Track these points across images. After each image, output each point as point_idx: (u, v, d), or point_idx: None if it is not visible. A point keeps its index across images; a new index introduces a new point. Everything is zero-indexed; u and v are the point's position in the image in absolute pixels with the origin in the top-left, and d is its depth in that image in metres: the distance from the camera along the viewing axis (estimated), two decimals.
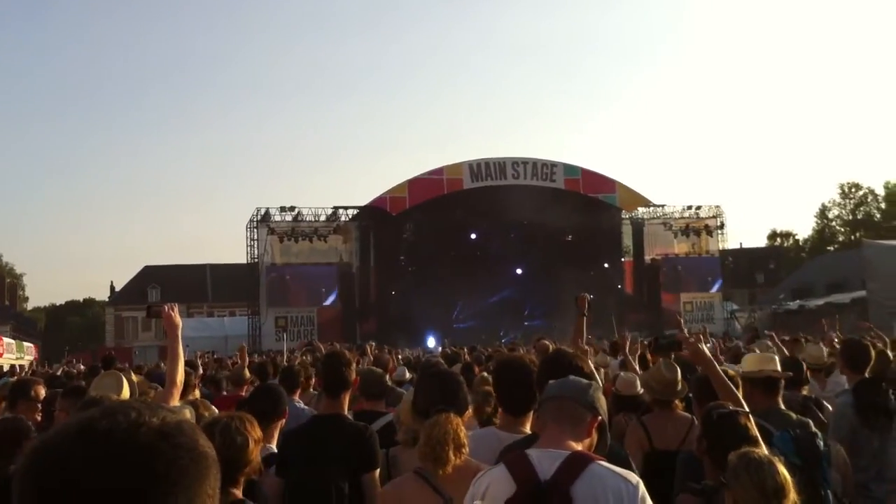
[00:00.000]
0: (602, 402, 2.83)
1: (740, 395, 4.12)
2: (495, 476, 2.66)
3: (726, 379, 3.97)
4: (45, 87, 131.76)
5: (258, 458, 3.33)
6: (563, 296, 38.75)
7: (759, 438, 3.52)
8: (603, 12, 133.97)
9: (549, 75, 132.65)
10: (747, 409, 3.73)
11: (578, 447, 2.65)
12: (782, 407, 4.71)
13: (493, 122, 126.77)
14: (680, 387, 5.28)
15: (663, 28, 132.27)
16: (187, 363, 6.90)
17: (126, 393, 4.82)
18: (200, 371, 10.72)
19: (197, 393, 7.52)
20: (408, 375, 9.43)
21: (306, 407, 6.30)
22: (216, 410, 6.13)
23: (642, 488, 2.57)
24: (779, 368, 4.86)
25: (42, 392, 6.43)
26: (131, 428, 1.03)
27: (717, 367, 4.04)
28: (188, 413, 4.38)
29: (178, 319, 4.59)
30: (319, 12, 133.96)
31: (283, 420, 4.87)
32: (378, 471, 4.27)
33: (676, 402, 5.30)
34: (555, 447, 2.62)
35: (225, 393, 8.61)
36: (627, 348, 7.71)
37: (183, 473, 1.03)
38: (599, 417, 2.78)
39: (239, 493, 3.26)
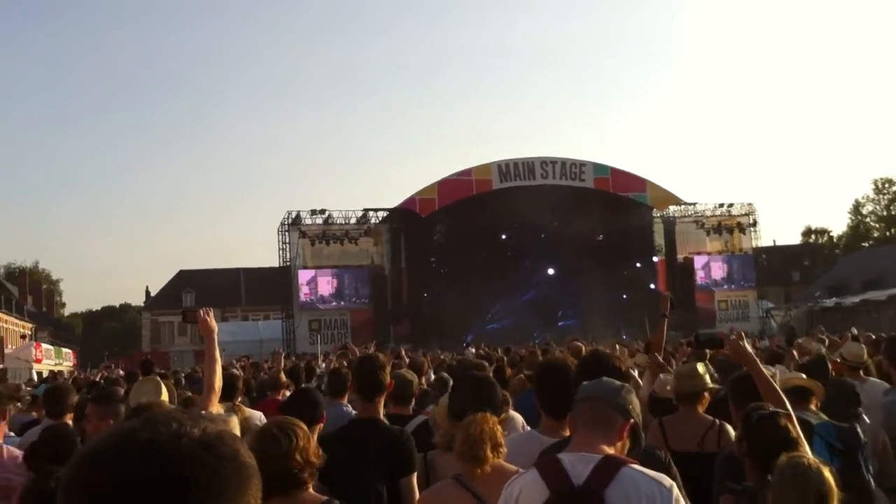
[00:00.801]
0: (635, 405, 2.79)
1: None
2: (528, 481, 2.64)
3: (770, 378, 3.91)
4: (79, 94, 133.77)
5: (318, 447, 3.32)
6: (595, 296, 38.72)
7: (801, 440, 3.49)
8: (631, 11, 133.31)
9: (576, 74, 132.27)
10: (790, 409, 3.69)
11: (611, 451, 2.63)
12: (812, 409, 4.68)
13: (520, 121, 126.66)
14: (703, 380, 5.18)
15: (694, 24, 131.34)
16: (230, 369, 6.93)
17: (165, 398, 4.87)
18: (241, 382, 10.82)
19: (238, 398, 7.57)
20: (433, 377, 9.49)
21: (353, 410, 6.29)
22: (255, 413, 6.19)
23: (676, 491, 2.55)
24: (804, 377, 4.88)
25: (74, 397, 6.50)
26: (172, 438, 1.03)
27: (761, 365, 3.96)
28: (235, 421, 4.41)
29: (214, 324, 4.61)
30: (344, 13, 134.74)
31: (322, 424, 4.90)
32: (415, 474, 4.28)
33: (702, 402, 5.20)
34: (587, 451, 2.60)
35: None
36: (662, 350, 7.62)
37: (225, 483, 1.03)
38: (632, 420, 2.75)
39: (311, 489, 3.26)
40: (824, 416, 4.58)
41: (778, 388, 3.91)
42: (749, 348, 4.03)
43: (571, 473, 2.53)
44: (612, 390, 2.78)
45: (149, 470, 1.00)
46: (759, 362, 3.94)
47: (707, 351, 8.65)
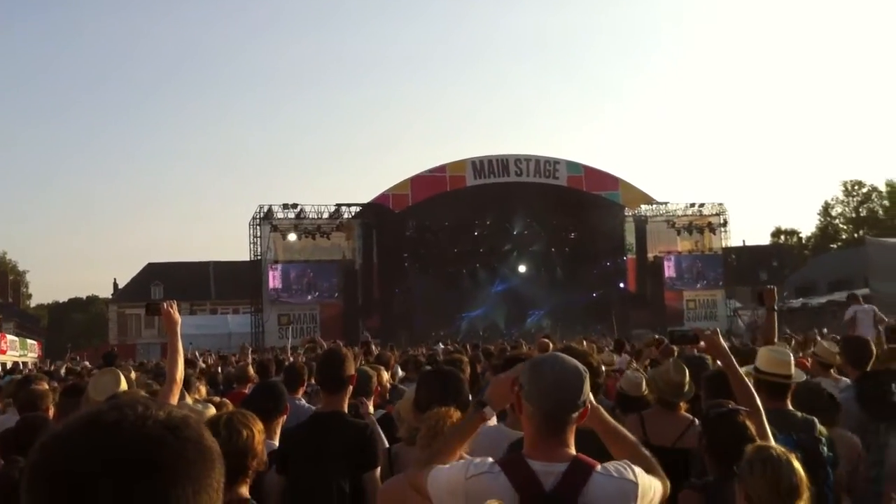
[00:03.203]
0: (588, 387, 2.64)
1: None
2: (498, 484, 2.53)
3: (744, 375, 3.91)
4: (48, 86, 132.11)
5: (263, 450, 3.32)
6: (565, 293, 38.94)
7: (766, 436, 3.51)
8: (605, 8, 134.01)
9: (551, 71, 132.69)
10: (759, 406, 3.69)
11: (572, 446, 2.60)
12: (790, 407, 4.67)
13: (495, 118, 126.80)
14: (687, 388, 5.24)
15: (666, 24, 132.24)
16: (186, 361, 6.90)
17: (124, 389, 4.83)
18: (200, 367, 10.75)
19: (202, 390, 7.53)
20: (400, 373, 9.56)
21: (308, 404, 6.28)
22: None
23: (643, 481, 2.55)
24: (792, 371, 4.82)
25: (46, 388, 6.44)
26: (138, 420, 1.05)
27: (735, 362, 3.96)
28: (211, 411, 4.38)
29: (178, 316, 4.57)
30: (320, 8, 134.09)
31: (284, 416, 4.88)
32: (379, 469, 4.27)
33: (681, 405, 5.25)
34: (553, 459, 2.55)
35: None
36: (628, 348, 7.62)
37: (189, 465, 1.05)
38: (588, 407, 2.65)
39: (246, 490, 3.22)
40: (797, 413, 4.57)
41: (751, 385, 3.91)
42: (724, 344, 4.02)
43: (543, 482, 2.50)
44: (574, 394, 2.59)
45: (113, 451, 1.01)
46: (733, 359, 3.94)
47: (674, 348, 8.73)
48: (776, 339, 6.06)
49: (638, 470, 2.57)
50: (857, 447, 4.94)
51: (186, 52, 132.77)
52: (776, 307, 5.70)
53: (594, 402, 2.71)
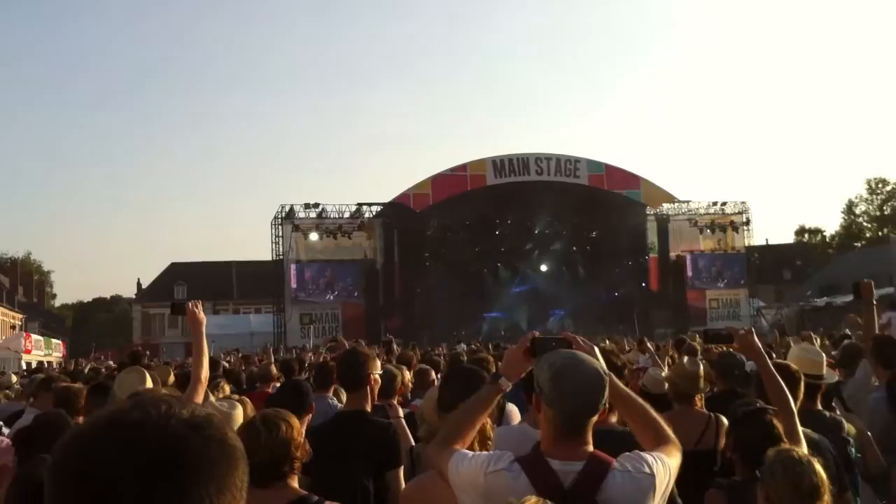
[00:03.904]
0: (608, 389, 2.65)
1: (799, 392, 4.04)
2: (519, 484, 2.53)
3: (776, 374, 3.88)
4: (73, 86, 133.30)
5: (304, 441, 3.35)
6: (587, 292, 38.78)
7: (796, 437, 3.47)
8: (629, 5, 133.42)
9: (572, 69, 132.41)
10: (792, 407, 3.66)
11: (591, 443, 2.61)
12: (819, 407, 4.62)
13: (515, 118, 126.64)
14: (702, 382, 5.23)
15: (690, 20, 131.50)
16: (210, 361, 6.92)
17: (150, 387, 4.85)
18: (223, 366, 10.80)
19: (226, 389, 7.55)
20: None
21: (339, 403, 6.28)
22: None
23: (658, 471, 2.55)
24: (824, 371, 4.76)
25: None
26: (161, 419, 1.04)
27: (769, 361, 3.93)
28: (239, 412, 4.38)
29: (203, 316, 4.59)
30: (338, 7, 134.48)
31: (310, 416, 4.88)
32: (402, 468, 4.26)
33: (697, 399, 5.24)
34: (574, 458, 2.57)
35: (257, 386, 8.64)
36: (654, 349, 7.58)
37: (212, 464, 1.04)
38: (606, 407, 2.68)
39: (296, 483, 3.26)
40: (826, 413, 4.53)
41: (783, 384, 3.87)
42: (759, 343, 3.98)
43: (563, 481, 2.51)
44: (596, 396, 2.59)
45: (136, 451, 1.01)
46: (767, 358, 3.90)
47: (698, 348, 8.66)
48: (874, 333, 6.03)
49: (652, 459, 2.58)
50: (862, 429, 4.91)
51: (208, 52, 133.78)
52: (875, 301, 5.68)
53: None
